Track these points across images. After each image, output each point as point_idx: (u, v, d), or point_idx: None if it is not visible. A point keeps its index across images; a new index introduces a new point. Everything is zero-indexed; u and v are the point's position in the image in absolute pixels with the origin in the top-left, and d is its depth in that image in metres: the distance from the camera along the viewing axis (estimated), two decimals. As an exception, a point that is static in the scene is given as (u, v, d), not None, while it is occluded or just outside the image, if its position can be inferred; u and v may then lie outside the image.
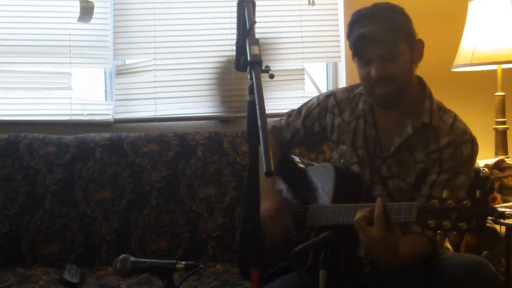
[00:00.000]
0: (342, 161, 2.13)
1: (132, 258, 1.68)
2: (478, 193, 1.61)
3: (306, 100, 2.34)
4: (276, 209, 2.04)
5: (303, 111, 2.28)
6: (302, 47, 3.36)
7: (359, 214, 1.78)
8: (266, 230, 2.00)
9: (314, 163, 2.36)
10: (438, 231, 1.64)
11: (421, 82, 2.07)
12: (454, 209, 1.61)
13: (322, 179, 2.08)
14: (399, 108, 2.02)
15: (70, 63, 3.16)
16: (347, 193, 1.99)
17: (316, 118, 2.24)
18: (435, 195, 1.94)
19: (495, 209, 1.60)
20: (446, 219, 1.62)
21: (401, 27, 1.95)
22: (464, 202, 1.60)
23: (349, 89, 2.20)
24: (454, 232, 1.61)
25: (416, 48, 1.99)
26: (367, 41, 1.92)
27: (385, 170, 2.04)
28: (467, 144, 1.98)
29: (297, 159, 2.35)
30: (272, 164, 1.38)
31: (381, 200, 1.76)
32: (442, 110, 2.05)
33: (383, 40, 1.91)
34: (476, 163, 2.79)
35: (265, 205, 2.01)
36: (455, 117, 2.04)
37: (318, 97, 2.27)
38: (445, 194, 1.65)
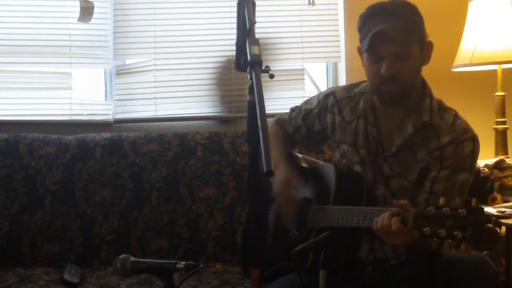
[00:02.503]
0: (344, 161, 2.13)
1: (132, 258, 1.68)
2: (474, 201, 1.61)
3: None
4: (288, 178, 2.06)
5: (303, 110, 2.28)
6: (302, 47, 3.36)
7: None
8: (280, 197, 2.06)
9: (319, 161, 2.36)
10: (434, 239, 1.64)
11: (422, 80, 2.07)
12: (450, 217, 1.61)
13: (324, 179, 2.07)
14: (401, 107, 2.02)
15: (70, 63, 3.16)
16: (348, 193, 1.99)
17: (316, 117, 2.23)
18: (436, 190, 1.95)
19: (490, 218, 1.60)
20: (442, 227, 1.62)
21: (416, 27, 1.95)
22: (460, 210, 1.60)
23: (349, 88, 2.19)
24: (450, 240, 1.61)
25: (425, 49, 1.99)
26: (382, 38, 1.90)
27: (387, 169, 2.04)
28: (469, 142, 1.98)
29: (300, 157, 2.34)
30: (272, 164, 1.38)
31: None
32: (443, 108, 2.04)
33: (398, 39, 1.90)
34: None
35: (278, 173, 2.05)
36: (456, 115, 2.03)
37: (317, 96, 2.27)
38: (441, 201, 1.65)
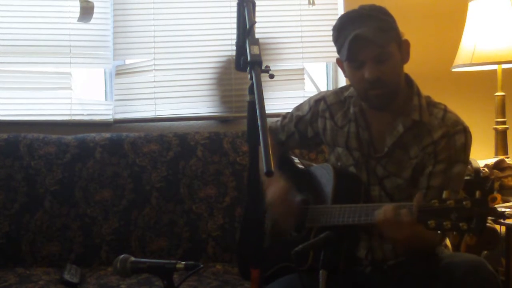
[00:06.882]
0: (339, 163, 2.13)
1: (132, 258, 1.68)
2: (478, 193, 1.62)
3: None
4: (283, 192, 2.04)
5: (295, 116, 2.28)
6: (302, 47, 3.36)
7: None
8: (275, 213, 2.05)
9: (313, 164, 2.37)
10: (438, 231, 1.65)
11: (408, 79, 2.06)
12: (454, 209, 1.62)
13: (322, 180, 2.08)
14: (390, 109, 2.02)
15: (70, 63, 3.17)
16: (347, 193, 2.00)
17: (308, 123, 2.24)
18: (433, 185, 1.96)
19: (495, 209, 1.60)
20: (446, 220, 1.63)
21: (391, 27, 1.95)
22: (464, 202, 1.61)
23: (339, 92, 2.20)
24: (454, 233, 1.62)
25: (403, 48, 1.99)
26: (360, 43, 1.90)
27: (381, 170, 2.04)
28: (460, 134, 1.98)
29: (296, 159, 2.35)
30: (272, 164, 1.38)
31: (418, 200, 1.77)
32: (431, 104, 2.04)
33: (376, 41, 1.90)
34: (476, 162, 2.81)
35: (272, 190, 2.03)
36: (445, 109, 2.03)
37: (308, 101, 2.26)
38: (445, 194, 1.66)
